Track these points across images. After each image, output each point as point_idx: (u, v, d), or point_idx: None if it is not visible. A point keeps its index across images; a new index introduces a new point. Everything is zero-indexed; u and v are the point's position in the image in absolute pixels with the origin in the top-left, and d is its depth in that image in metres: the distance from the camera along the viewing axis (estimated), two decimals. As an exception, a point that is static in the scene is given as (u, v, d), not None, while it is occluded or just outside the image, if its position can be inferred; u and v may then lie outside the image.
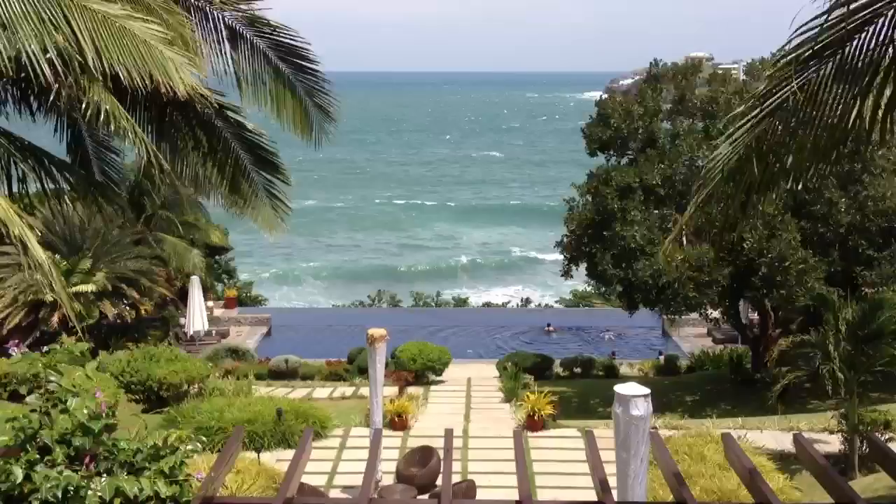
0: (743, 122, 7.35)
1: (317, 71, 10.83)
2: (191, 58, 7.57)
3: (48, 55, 6.97)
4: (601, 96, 28.05)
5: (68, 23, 6.97)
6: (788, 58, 6.82)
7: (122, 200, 11.29)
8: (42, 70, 6.93)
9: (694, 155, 24.49)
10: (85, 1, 7.11)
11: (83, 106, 7.52)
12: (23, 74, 7.26)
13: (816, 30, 6.47)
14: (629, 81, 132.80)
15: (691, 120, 25.78)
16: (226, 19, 10.20)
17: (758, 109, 7.20)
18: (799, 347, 17.75)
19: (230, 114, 10.69)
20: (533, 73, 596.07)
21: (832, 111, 6.76)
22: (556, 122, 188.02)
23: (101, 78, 7.19)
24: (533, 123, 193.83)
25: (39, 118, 9.52)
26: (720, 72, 28.55)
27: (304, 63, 10.73)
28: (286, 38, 10.50)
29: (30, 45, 6.89)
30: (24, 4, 6.91)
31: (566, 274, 27.22)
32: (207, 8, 10.13)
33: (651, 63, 27.05)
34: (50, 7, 6.96)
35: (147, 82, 7.16)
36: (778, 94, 7.03)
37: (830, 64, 6.73)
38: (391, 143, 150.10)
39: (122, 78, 7.18)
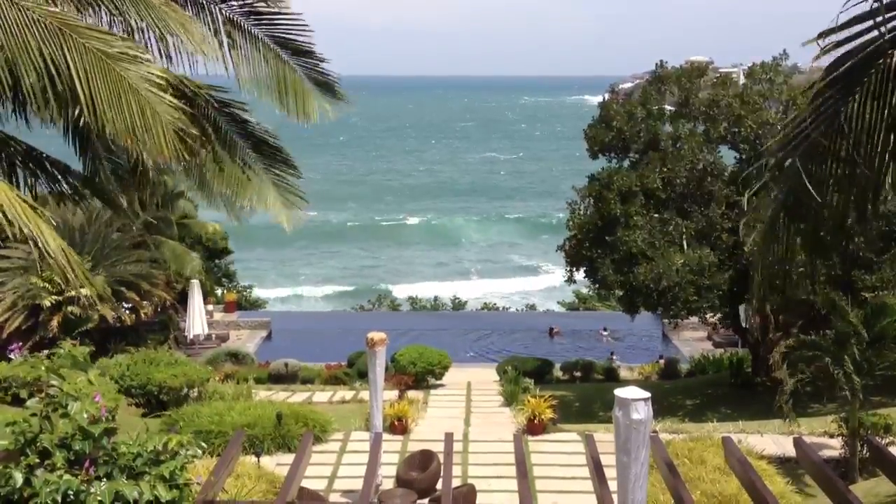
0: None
1: (315, 52, 10.63)
2: (180, 106, 7.46)
3: (42, 80, 6.98)
4: (604, 98, 28.09)
5: (66, 60, 6.94)
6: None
7: (121, 202, 11.24)
8: (38, 100, 6.95)
9: (695, 158, 24.49)
10: (85, 38, 7.04)
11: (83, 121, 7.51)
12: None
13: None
14: (629, 85, 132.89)
15: (693, 123, 25.78)
16: (223, 11, 10.15)
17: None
18: (803, 348, 17.70)
19: (236, 111, 10.67)
20: (532, 77, 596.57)
21: (867, 143, 6.49)
22: (558, 127, 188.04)
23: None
24: (536, 128, 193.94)
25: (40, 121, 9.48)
26: (720, 75, 28.57)
27: (302, 45, 10.55)
28: (284, 21, 10.39)
29: (28, 77, 6.89)
30: (26, 34, 6.89)
31: (569, 280, 27.20)
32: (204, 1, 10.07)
33: (656, 65, 27.04)
34: (50, 42, 6.92)
35: (130, 144, 7.15)
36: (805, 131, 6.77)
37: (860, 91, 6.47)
38: (393, 149, 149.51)
39: (108, 131, 7.16)
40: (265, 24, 10.37)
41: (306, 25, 10.48)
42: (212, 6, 10.06)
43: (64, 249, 7.24)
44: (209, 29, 9.98)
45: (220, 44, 10.02)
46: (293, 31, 10.48)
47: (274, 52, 10.40)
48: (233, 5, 10.17)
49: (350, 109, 11.33)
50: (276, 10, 10.27)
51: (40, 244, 7.04)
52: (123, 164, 10.81)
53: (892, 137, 6.38)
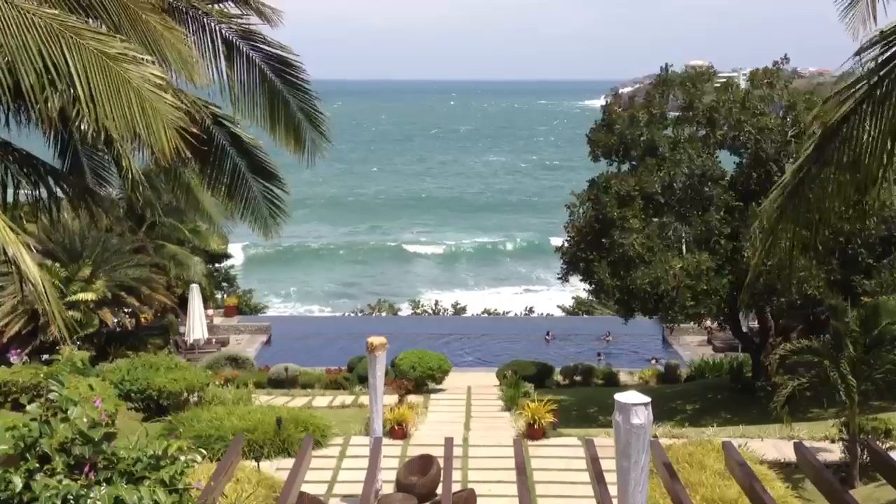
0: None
1: (309, 88, 10.93)
2: (179, 105, 7.48)
3: (42, 80, 6.98)
4: (606, 101, 28.04)
5: (66, 61, 6.95)
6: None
7: (116, 209, 11.37)
8: (37, 101, 6.96)
9: (693, 164, 24.48)
10: (85, 39, 7.06)
11: (76, 121, 7.51)
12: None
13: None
14: (629, 90, 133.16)
15: (694, 128, 25.75)
16: (223, 32, 10.26)
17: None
18: (800, 353, 17.69)
19: (227, 124, 10.81)
20: (530, 81, 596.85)
21: (864, 151, 6.80)
22: (560, 131, 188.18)
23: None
24: (537, 132, 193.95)
25: (27, 122, 9.48)
26: (724, 80, 28.50)
27: (297, 80, 10.82)
28: (280, 53, 10.58)
29: (28, 78, 6.89)
30: (26, 35, 6.90)
31: (564, 278, 27.16)
32: (205, 20, 10.18)
33: (661, 68, 26.96)
34: (50, 42, 6.93)
35: (132, 139, 7.17)
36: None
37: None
38: (395, 158, 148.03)
39: (109, 129, 7.18)
40: (262, 52, 10.51)
41: (300, 60, 10.73)
42: (213, 25, 10.14)
43: (43, 281, 7.24)
44: (208, 48, 10.07)
45: (218, 67, 10.15)
46: (287, 61, 10.64)
47: (269, 78, 10.55)
48: (231, 26, 10.26)
49: (327, 153, 11.53)
50: (272, 40, 10.44)
51: (22, 267, 7.04)
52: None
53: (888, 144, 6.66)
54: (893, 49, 6.54)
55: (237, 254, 66.42)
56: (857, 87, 6.81)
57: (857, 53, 6.65)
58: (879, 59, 6.60)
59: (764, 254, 7.90)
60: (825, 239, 7.54)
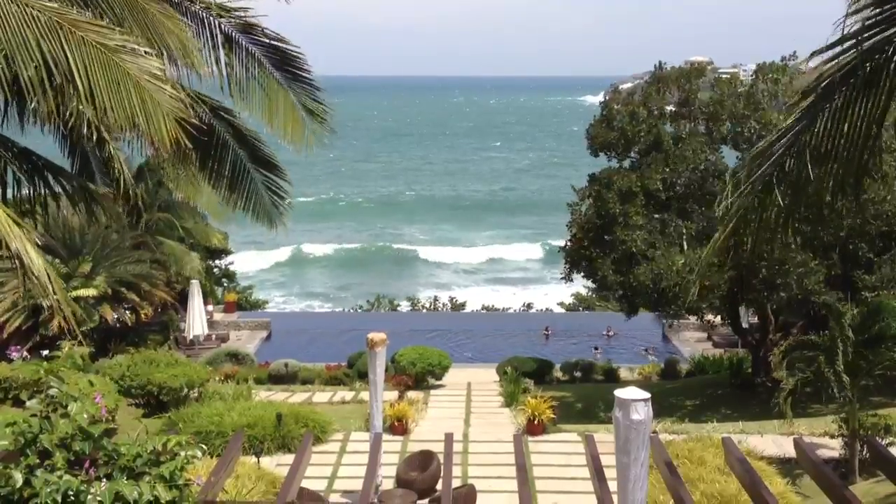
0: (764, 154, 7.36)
1: (310, 79, 10.86)
2: (179, 97, 7.46)
3: (40, 74, 6.97)
4: (605, 97, 28.05)
5: (65, 55, 6.94)
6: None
7: (116, 207, 11.28)
8: (37, 95, 6.95)
9: (697, 159, 24.45)
10: (84, 31, 7.04)
11: (72, 122, 7.51)
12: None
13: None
14: (629, 85, 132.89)
15: (694, 123, 25.72)
16: (222, 26, 10.24)
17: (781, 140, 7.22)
18: (800, 348, 17.71)
19: (227, 117, 10.79)
20: (531, 78, 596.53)
21: (851, 140, 6.69)
22: (561, 127, 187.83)
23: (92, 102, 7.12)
24: (538, 128, 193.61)
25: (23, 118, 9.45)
26: (725, 76, 28.48)
27: (297, 71, 10.77)
28: (280, 45, 10.55)
29: (26, 72, 6.88)
30: (25, 30, 6.89)
31: (567, 278, 27.17)
32: (204, 14, 10.16)
33: (655, 66, 26.97)
34: (49, 36, 6.91)
35: (131, 129, 7.17)
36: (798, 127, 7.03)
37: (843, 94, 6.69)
38: (394, 154, 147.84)
39: (108, 119, 7.16)
40: (262, 45, 10.49)
41: (302, 53, 10.67)
42: (211, 19, 10.12)
43: (47, 270, 7.22)
44: (208, 42, 10.05)
45: (217, 60, 10.13)
46: (288, 54, 10.60)
47: (268, 72, 10.51)
48: (231, 20, 10.23)
49: (334, 140, 11.50)
50: (274, 33, 10.39)
51: (25, 261, 7.02)
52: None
53: (872, 131, 6.61)
54: (889, 11, 6.27)
55: (262, 259, 67.26)
56: (843, 46, 6.59)
57: (849, 15, 6.39)
58: (867, 23, 6.34)
59: (735, 226, 7.79)
60: (814, 225, 7.46)
